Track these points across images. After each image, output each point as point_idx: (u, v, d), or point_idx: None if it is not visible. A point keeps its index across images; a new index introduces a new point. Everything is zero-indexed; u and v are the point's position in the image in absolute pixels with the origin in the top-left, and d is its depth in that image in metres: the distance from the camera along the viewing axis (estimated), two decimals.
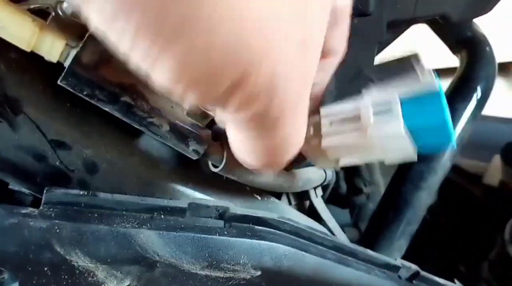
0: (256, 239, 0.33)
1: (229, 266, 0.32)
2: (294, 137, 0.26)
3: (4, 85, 0.31)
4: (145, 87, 0.31)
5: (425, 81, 0.28)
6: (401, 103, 0.27)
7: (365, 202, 0.64)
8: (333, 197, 0.58)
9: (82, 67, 0.29)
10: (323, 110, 0.32)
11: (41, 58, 0.30)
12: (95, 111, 0.33)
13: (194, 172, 0.38)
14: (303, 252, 0.34)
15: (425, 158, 0.48)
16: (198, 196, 0.37)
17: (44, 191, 0.29)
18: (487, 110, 0.62)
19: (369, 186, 0.65)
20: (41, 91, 0.32)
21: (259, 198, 0.41)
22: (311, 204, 0.47)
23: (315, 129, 0.32)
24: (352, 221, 0.66)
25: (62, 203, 0.30)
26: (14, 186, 0.40)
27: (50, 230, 0.28)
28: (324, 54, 0.31)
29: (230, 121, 0.25)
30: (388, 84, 0.29)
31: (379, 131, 0.28)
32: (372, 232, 0.50)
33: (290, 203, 0.47)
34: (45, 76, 0.32)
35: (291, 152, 0.27)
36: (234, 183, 0.40)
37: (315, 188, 0.46)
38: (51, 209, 0.29)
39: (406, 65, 0.30)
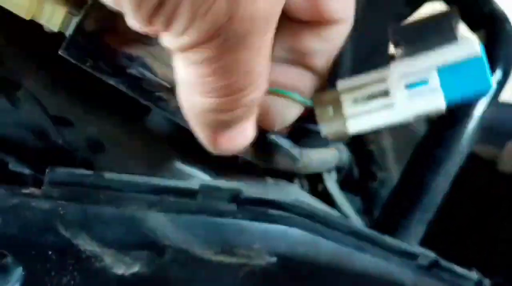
0: (270, 223, 0.31)
1: (243, 251, 0.30)
2: (257, 78, 0.21)
3: (2, 57, 0.29)
4: (154, 60, 0.28)
5: (464, 43, 0.25)
6: (438, 71, 0.25)
7: (379, 187, 0.62)
8: (344, 183, 0.57)
9: (84, 36, 0.26)
10: (341, 84, 0.28)
11: (41, 29, 0.28)
12: (99, 86, 0.31)
13: (202, 153, 0.36)
14: (319, 237, 0.32)
15: (444, 142, 0.46)
16: (207, 178, 0.35)
17: (47, 171, 0.28)
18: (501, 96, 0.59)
19: (383, 172, 0.64)
20: (42, 64, 0.30)
21: (272, 181, 0.39)
22: (324, 189, 0.45)
23: (335, 109, 0.28)
24: (363, 207, 0.64)
25: (66, 183, 0.28)
26: (15, 166, 0.38)
27: (53, 212, 0.26)
28: (325, 20, 0.27)
29: (179, 51, 0.20)
30: (420, 48, 0.26)
31: (415, 107, 0.25)
32: (386, 219, 0.48)
33: (302, 187, 0.45)
34: (46, 48, 0.30)
35: (253, 100, 0.23)
36: (245, 165, 0.38)
37: (329, 171, 0.44)
38: (55, 190, 0.27)
39: (441, 23, 0.26)
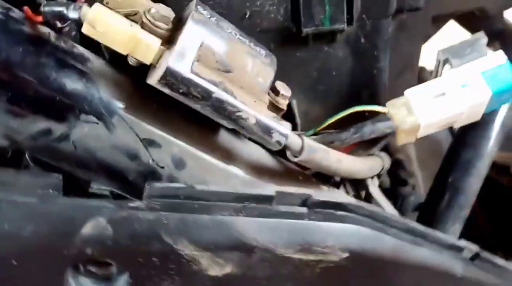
0: (340, 223, 0.34)
1: (319, 248, 0.33)
2: None
3: (99, 88, 0.33)
4: (233, 84, 0.32)
5: (493, 55, 0.38)
6: (482, 74, 0.37)
7: (410, 192, 0.66)
8: None
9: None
10: (408, 92, 0.38)
11: (126, 61, 0.32)
12: (179, 110, 0.35)
13: (268, 166, 0.39)
14: (382, 234, 0.36)
15: (473, 145, 0.50)
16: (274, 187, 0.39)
17: (146, 186, 0.31)
18: None
19: (411, 178, 0.67)
20: (131, 93, 0.34)
21: (326, 188, 0.43)
22: (367, 194, 0.48)
23: (407, 109, 0.37)
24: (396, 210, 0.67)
25: (164, 196, 0.31)
26: (94, 189, 0.41)
27: (158, 221, 0.30)
28: None
29: None
30: (462, 61, 0.37)
31: (468, 99, 0.36)
32: (426, 218, 0.52)
33: (347, 192, 0.48)
34: (133, 78, 0.34)
35: None
36: (303, 175, 0.42)
37: (372, 177, 0.47)
38: (156, 202, 0.31)
39: (474, 43, 0.39)
